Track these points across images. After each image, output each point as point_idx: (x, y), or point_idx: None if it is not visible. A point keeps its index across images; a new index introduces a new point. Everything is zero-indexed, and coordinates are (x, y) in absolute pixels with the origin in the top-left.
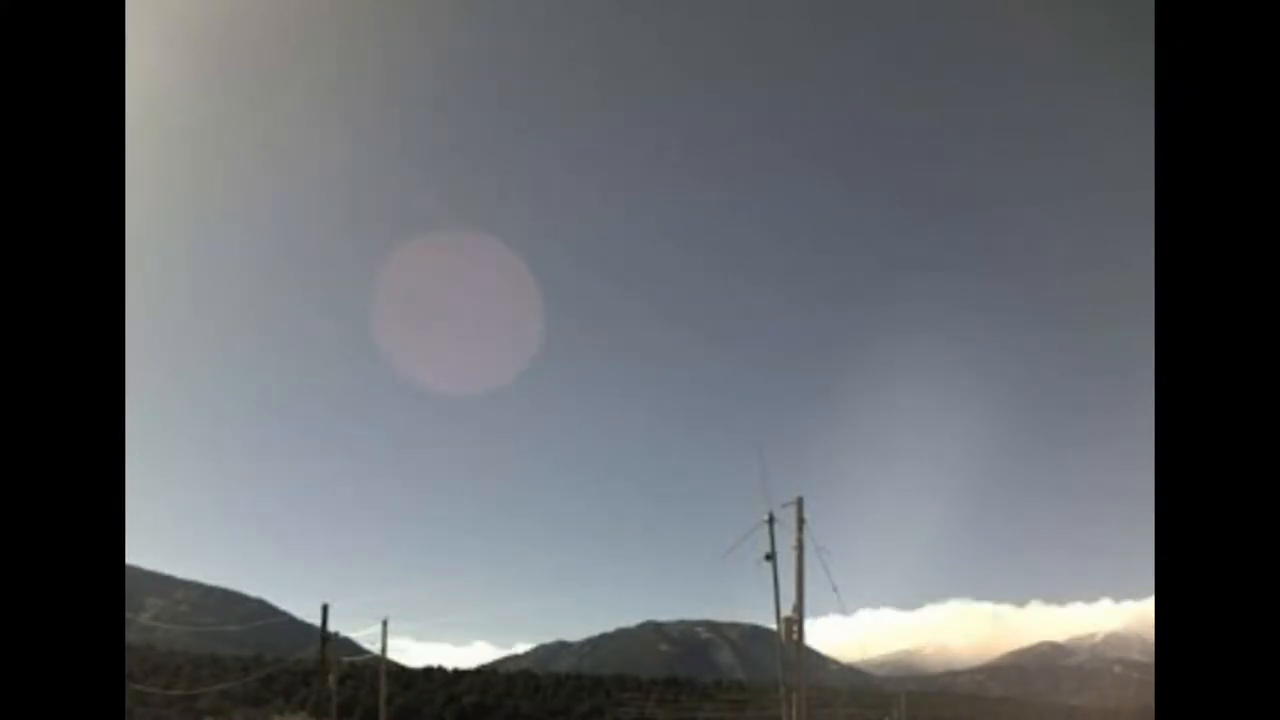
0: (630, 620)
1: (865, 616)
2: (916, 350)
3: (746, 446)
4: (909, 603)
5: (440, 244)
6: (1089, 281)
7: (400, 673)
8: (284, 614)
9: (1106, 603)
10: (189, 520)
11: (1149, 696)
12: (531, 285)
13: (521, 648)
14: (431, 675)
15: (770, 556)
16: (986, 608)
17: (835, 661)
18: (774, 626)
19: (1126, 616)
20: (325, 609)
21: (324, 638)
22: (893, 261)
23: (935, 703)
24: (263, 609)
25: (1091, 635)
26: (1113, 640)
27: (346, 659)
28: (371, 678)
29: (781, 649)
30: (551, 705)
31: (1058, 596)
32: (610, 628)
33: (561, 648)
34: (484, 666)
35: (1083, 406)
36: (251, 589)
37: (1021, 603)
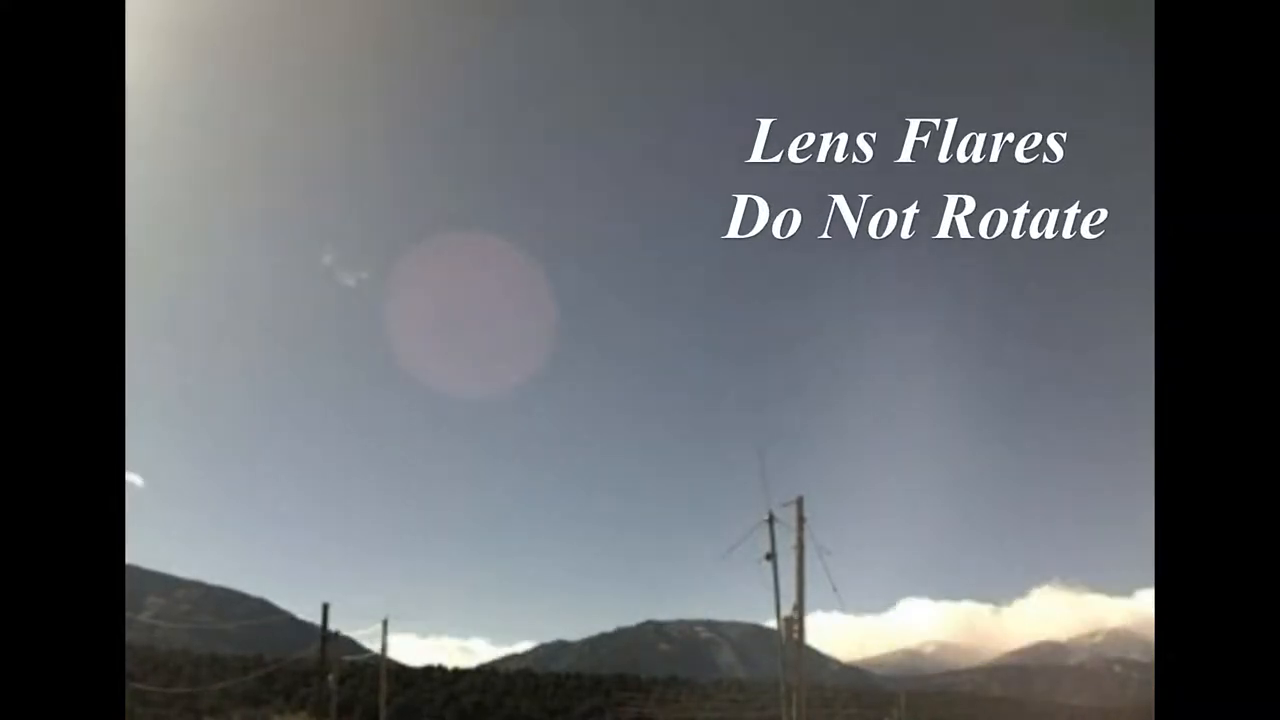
0: (630, 620)
1: (865, 616)
2: (917, 349)
3: (746, 446)
4: (908, 602)
5: (446, 245)
6: (1089, 279)
7: (400, 672)
8: (284, 614)
9: (1106, 602)
10: (189, 520)
11: (1149, 696)
12: (537, 289)
13: (521, 648)
14: (431, 675)
15: (770, 556)
16: (986, 607)
17: (835, 661)
18: (774, 626)
19: (1126, 616)
20: (325, 609)
21: (324, 637)
22: (893, 261)
23: (935, 703)
24: (263, 608)
25: (1091, 635)
26: (1113, 640)
27: (347, 659)
28: (371, 677)
29: (781, 649)
30: (551, 705)
31: (1058, 596)
32: (610, 628)
33: (561, 648)
34: (484, 666)
35: (1084, 407)
36: (252, 589)
37: (1021, 602)
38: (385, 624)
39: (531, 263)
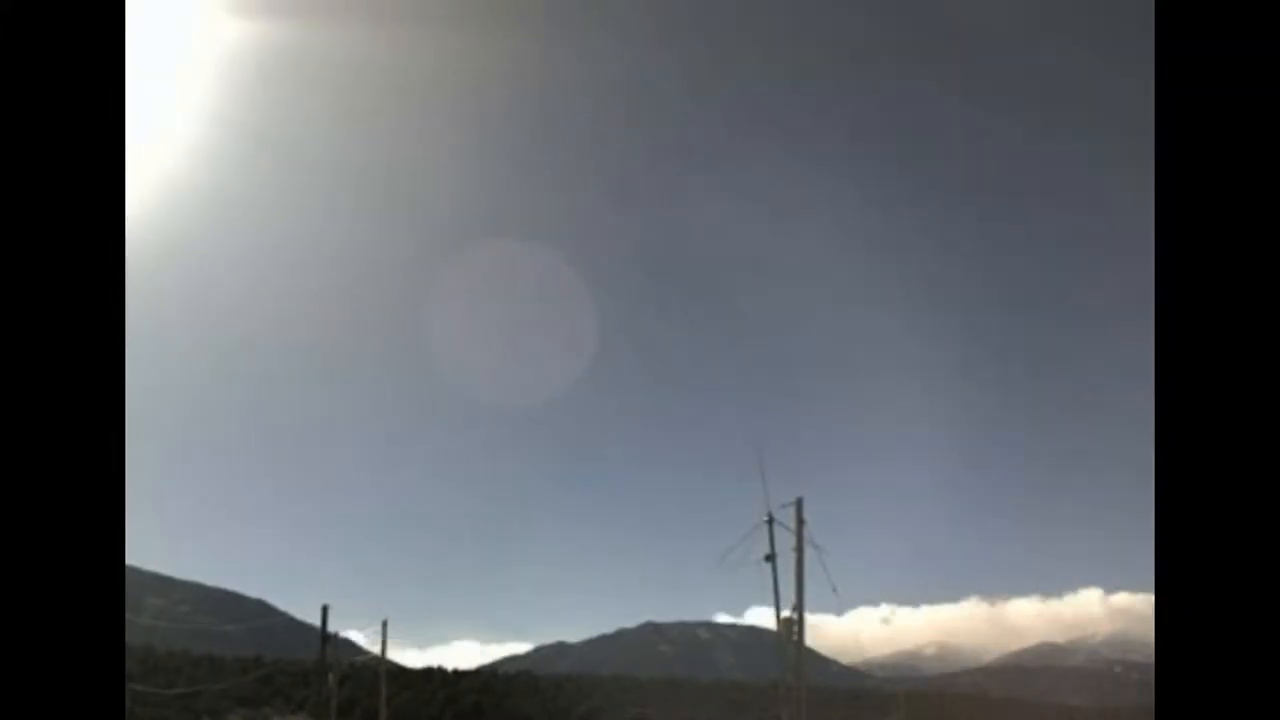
0: (630, 620)
1: (865, 617)
2: (917, 349)
3: (746, 447)
4: (908, 603)
5: (454, 250)
6: (1089, 280)
7: (400, 673)
8: (284, 614)
9: (1106, 603)
10: (189, 520)
11: (1149, 696)
12: (547, 291)
13: (521, 648)
14: (431, 676)
15: (770, 557)
16: (986, 608)
17: (835, 662)
18: (774, 627)
19: (1126, 616)
20: (325, 609)
21: (324, 638)
22: (895, 262)
23: (935, 703)
24: (263, 609)
25: (1091, 635)
26: (1113, 640)
27: (346, 659)
28: (371, 678)
29: (781, 650)
30: (551, 706)
31: (1057, 596)
32: (610, 628)
33: (561, 648)
34: (484, 667)
35: (1085, 406)
36: (251, 589)
37: (1021, 603)
38: (384, 625)
39: (528, 262)
